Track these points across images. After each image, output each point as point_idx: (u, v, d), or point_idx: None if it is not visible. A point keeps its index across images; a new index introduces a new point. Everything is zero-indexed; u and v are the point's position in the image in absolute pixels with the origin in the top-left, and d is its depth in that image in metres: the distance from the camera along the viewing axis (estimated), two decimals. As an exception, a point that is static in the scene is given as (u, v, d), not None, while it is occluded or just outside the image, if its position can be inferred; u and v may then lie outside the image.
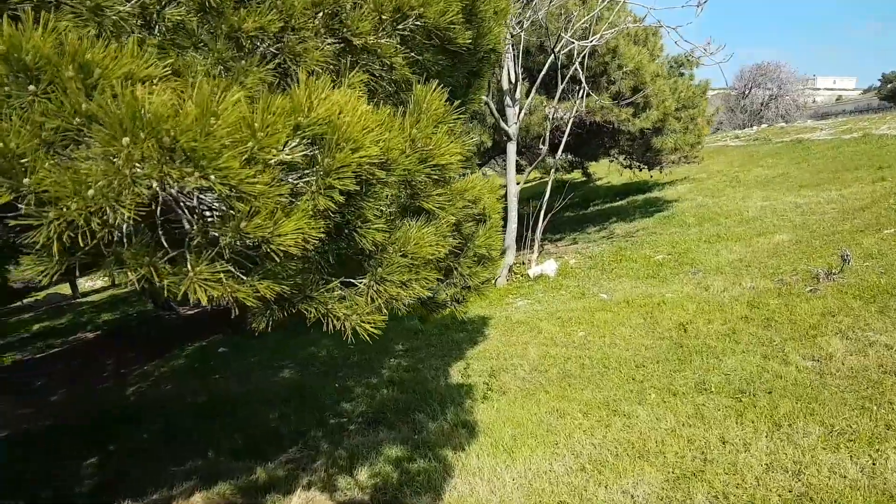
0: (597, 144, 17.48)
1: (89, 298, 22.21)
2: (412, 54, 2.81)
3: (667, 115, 14.39)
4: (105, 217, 1.52)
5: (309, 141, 1.91)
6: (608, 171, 23.03)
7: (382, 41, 2.65)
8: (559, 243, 15.65)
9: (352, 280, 2.13)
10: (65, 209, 1.47)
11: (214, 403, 8.58)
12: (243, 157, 1.67)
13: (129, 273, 1.69)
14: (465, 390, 7.07)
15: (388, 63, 2.71)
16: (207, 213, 1.99)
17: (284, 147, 1.83)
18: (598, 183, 24.55)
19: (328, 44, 2.44)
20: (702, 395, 5.90)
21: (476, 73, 3.31)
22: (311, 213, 1.83)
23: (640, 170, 17.97)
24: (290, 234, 1.72)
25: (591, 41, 9.53)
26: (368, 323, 2.00)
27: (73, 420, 9.12)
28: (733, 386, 5.94)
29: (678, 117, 15.06)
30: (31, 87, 1.52)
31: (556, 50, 10.13)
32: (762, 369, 6.18)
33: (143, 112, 1.47)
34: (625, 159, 17.94)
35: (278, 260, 1.71)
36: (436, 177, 2.08)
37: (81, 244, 1.51)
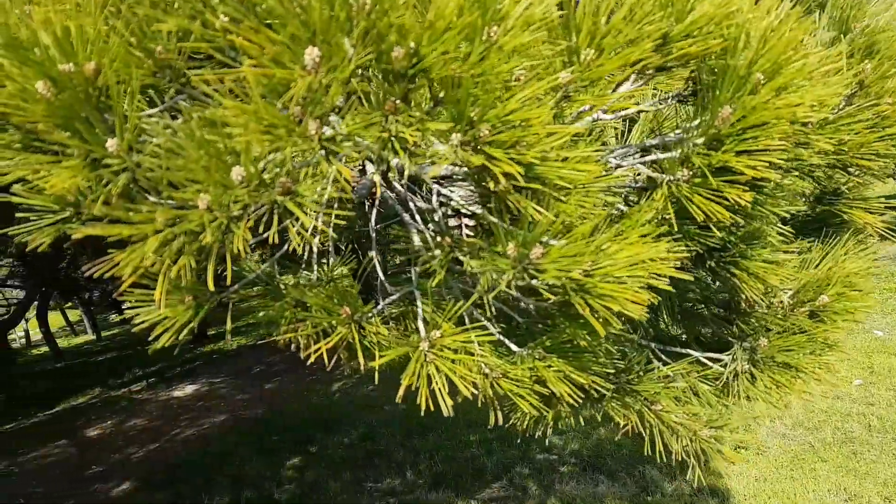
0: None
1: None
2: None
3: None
4: (266, 225, 0.70)
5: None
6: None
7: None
8: (804, 262, 13.23)
9: (686, 352, 1.16)
10: (184, 209, 0.67)
11: (414, 415, 8.11)
12: (541, 108, 0.78)
13: (309, 334, 0.88)
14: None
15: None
16: (453, 223, 1.14)
17: (620, 86, 0.91)
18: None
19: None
20: None
21: None
22: (662, 228, 0.89)
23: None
24: (626, 272, 0.79)
25: None
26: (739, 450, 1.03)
27: (281, 413, 9.23)
28: None
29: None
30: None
31: None
32: None
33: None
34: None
35: (598, 325, 0.78)
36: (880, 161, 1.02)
37: (210, 277, 0.70)
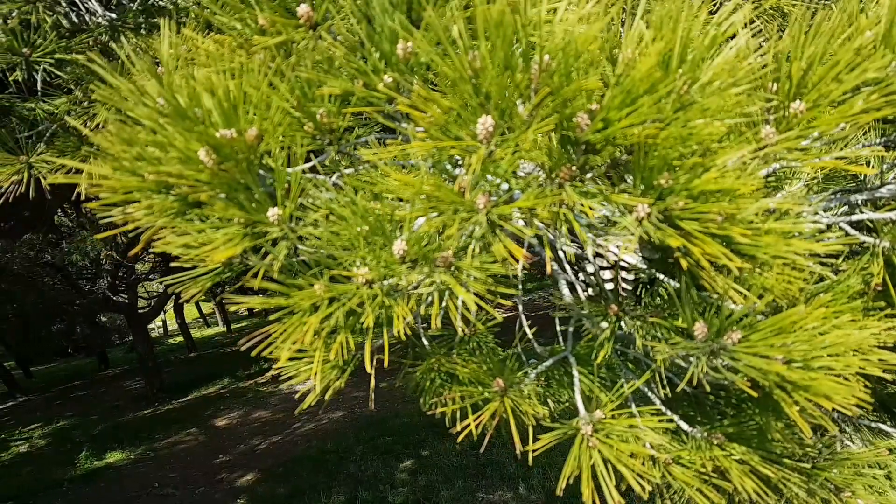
0: None
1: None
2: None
3: None
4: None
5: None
6: None
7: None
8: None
9: (877, 426, 1.00)
10: (341, 282, 0.64)
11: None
12: (752, 177, 0.67)
13: (457, 407, 0.82)
14: None
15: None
16: (607, 275, 1.04)
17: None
18: None
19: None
20: None
21: None
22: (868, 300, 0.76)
23: None
24: (841, 362, 0.67)
25: None
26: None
27: (395, 413, 9.37)
28: None
29: None
30: None
31: None
32: None
33: None
34: None
35: (805, 427, 0.67)
36: None
37: (367, 356, 0.67)
